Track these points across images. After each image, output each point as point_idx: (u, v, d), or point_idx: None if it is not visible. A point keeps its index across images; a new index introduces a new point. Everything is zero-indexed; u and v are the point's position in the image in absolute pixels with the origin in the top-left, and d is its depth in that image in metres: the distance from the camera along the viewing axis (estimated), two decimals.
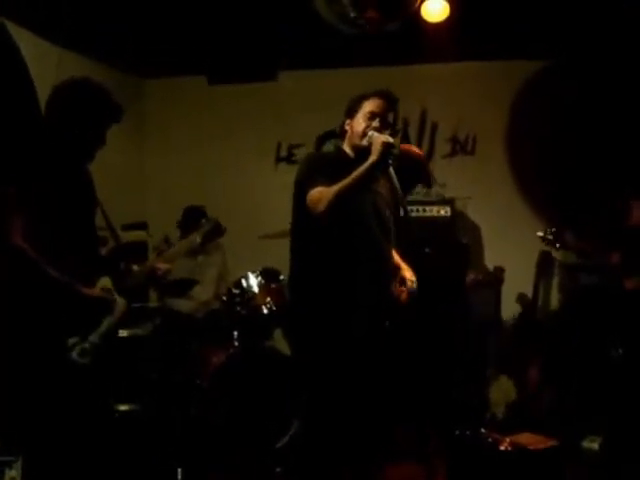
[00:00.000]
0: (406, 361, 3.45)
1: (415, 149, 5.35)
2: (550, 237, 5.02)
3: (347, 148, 3.59)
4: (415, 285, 3.60)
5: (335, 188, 3.23)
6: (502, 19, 5.11)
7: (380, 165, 3.24)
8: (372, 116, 3.46)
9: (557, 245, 5.05)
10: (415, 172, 5.05)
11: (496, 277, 5.32)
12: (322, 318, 3.42)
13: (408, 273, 3.65)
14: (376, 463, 3.56)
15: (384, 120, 3.48)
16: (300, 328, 3.57)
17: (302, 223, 3.51)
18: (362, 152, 3.40)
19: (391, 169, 3.26)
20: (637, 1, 4.63)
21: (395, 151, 3.31)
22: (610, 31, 5.08)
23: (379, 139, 3.27)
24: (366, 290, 3.40)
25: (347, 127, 3.57)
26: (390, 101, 3.52)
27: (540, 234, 5.06)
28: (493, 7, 4.93)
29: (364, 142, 3.42)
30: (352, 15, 4.29)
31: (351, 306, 3.38)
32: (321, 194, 3.27)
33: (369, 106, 3.47)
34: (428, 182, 5.51)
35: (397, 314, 3.52)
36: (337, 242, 3.40)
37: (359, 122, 3.48)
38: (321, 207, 3.25)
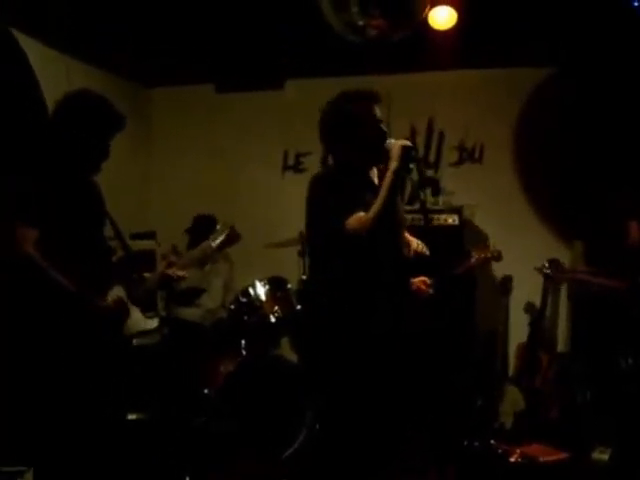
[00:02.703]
0: (415, 369, 3.40)
1: None
2: (547, 271, 5.02)
3: None
4: (423, 248, 3.52)
5: (371, 214, 3.17)
6: (510, 27, 5.10)
7: (402, 170, 3.23)
8: None
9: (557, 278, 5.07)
10: None
11: (504, 286, 5.29)
12: (343, 323, 3.38)
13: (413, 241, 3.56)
14: (391, 470, 3.52)
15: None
16: (319, 334, 3.52)
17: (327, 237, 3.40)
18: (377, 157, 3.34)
19: (414, 174, 3.24)
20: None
21: (415, 154, 3.28)
22: (616, 37, 5.07)
23: (397, 144, 3.24)
24: (386, 296, 3.36)
25: None
26: (370, 100, 3.42)
27: (537, 267, 5.07)
28: (501, 15, 4.92)
29: None
30: (360, 23, 4.28)
31: (371, 310, 3.34)
32: (359, 222, 3.20)
33: None
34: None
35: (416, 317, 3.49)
36: (363, 252, 3.36)
37: None
38: (363, 232, 3.19)
